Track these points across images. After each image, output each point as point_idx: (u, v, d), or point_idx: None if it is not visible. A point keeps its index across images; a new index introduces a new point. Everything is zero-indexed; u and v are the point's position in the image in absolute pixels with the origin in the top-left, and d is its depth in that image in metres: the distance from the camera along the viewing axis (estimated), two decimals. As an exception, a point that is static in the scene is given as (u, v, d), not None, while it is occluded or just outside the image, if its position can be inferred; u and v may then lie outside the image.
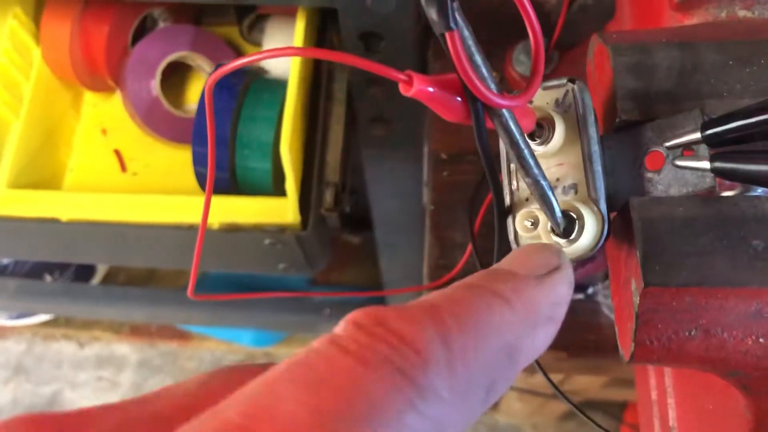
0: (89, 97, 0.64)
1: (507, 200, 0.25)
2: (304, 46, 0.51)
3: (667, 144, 0.24)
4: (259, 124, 0.52)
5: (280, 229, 0.51)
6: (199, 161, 0.52)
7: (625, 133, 0.25)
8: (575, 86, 0.24)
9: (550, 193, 0.22)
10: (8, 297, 1.06)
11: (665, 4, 0.34)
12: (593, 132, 0.24)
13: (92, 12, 0.56)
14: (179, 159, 0.61)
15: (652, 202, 0.23)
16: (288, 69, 0.57)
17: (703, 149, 0.23)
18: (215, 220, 0.52)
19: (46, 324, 1.33)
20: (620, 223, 0.24)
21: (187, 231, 0.53)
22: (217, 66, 0.54)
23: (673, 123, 0.24)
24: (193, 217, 0.52)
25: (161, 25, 0.60)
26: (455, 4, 0.20)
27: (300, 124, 0.52)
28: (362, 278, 1.14)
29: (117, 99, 0.63)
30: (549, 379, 0.33)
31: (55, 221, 0.53)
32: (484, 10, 0.53)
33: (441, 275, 0.45)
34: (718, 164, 0.22)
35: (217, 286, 1.02)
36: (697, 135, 0.23)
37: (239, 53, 0.63)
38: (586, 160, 0.23)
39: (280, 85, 0.55)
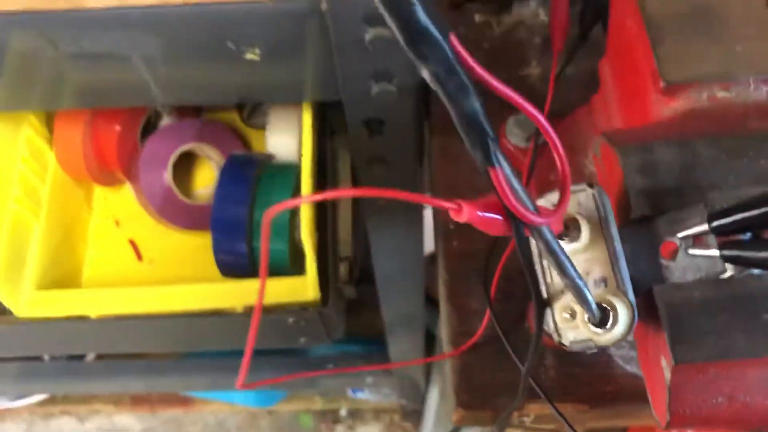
0: (99, 191, 0.66)
1: (543, 293, 0.28)
2: (313, 138, 0.54)
3: (680, 235, 0.27)
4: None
5: (303, 308, 0.54)
6: (220, 249, 0.55)
7: (639, 225, 0.28)
8: (595, 191, 0.28)
9: (586, 291, 0.26)
10: (10, 381, 1.07)
11: (651, 89, 0.38)
12: (615, 232, 0.27)
13: (102, 114, 0.59)
14: (192, 244, 0.63)
15: (672, 289, 0.27)
16: (293, 152, 0.61)
17: (712, 238, 0.27)
18: (239, 303, 0.54)
19: (44, 402, 1.32)
20: (644, 307, 0.28)
21: (211, 317, 0.55)
22: (230, 157, 0.57)
23: (682, 216, 0.27)
24: (216, 302, 0.55)
25: (166, 118, 0.63)
26: (495, 145, 0.24)
27: (313, 206, 0.55)
28: (362, 328, 1.16)
29: (126, 191, 0.66)
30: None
31: (84, 319, 0.55)
32: (477, 83, 0.57)
33: (463, 342, 0.48)
34: (726, 252, 0.26)
35: (213, 355, 1.03)
36: (705, 227, 0.27)
37: (242, 138, 0.66)
38: (612, 257, 0.27)
39: (289, 168, 0.58)
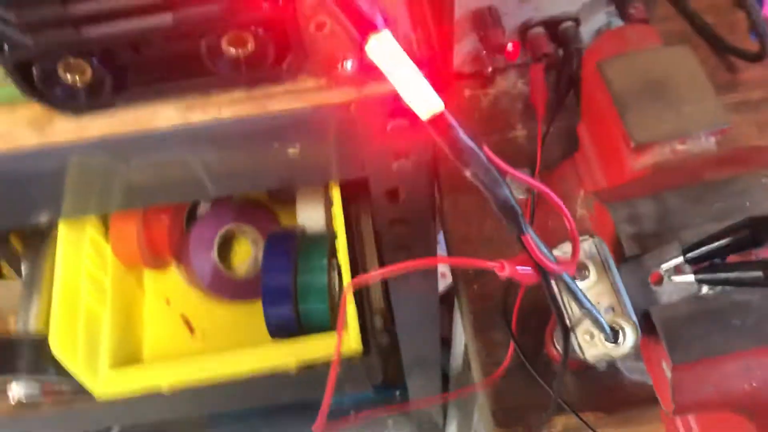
0: (149, 275, 0.74)
1: (567, 322, 0.37)
2: (339, 210, 0.63)
3: (663, 267, 0.36)
4: (314, 273, 0.63)
5: (349, 358, 0.62)
6: (271, 314, 0.63)
7: (632, 263, 0.37)
8: (595, 241, 0.37)
9: (600, 318, 0.34)
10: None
11: (624, 149, 0.47)
12: (615, 270, 0.36)
13: (153, 208, 0.67)
14: (238, 313, 0.71)
15: (663, 309, 0.35)
16: (320, 224, 0.70)
17: (687, 267, 0.36)
18: (292, 360, 0.62)
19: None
20: (644, 324, 0.36)
21: (269, 376, 0.63)
22: (271, 235, 0.66)
23: (663, 252, 0.36)
24: (272, 362, 0.63)
25: (203, 204, 0.72)
26: (524, 218, 0.33)
27: (348, 267, 0.63)
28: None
29: (172, 271, 0.74)
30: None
31: (156, 390, 0.62)
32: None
33: (492, 371, 0.56)
34: (699, 276, 0.35)
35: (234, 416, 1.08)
36: (681, 259, 0.36)
37: (271, 212, 0.75)
38: (615, 289, 0.36)
39: (320, 238, 0.67)
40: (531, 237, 0.32)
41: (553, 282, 0.34)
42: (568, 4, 0.61)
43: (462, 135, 0.31)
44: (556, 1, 0.60)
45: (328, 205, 0.71)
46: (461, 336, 1.07)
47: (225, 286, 0.69)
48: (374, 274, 0.38)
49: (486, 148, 0.32)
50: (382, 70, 0.30)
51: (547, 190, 0.33)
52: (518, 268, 0.33)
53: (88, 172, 0.55)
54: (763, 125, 0.63)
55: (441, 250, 0.77)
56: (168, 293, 0.74)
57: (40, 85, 0.45)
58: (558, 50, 0.62)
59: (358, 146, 0.55)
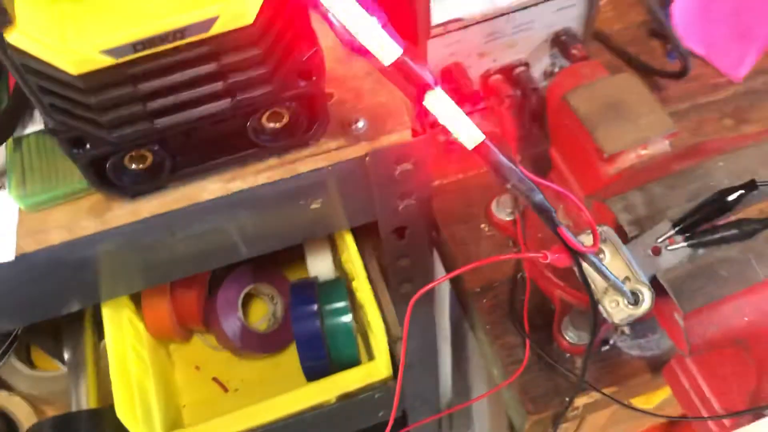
0: (174, 346, 0.79)
1: (595, 295, 0.46)
2: (355, 254, 0.71)
3: (659, 240, 0.46)
4: (339, 315, 0.70)
5: (383, 382, 0.69)
6: (306, 358, 0.69)
7: (635, 241, 0.47)
8: (604, 228, 0.46)
9: (622, 286, 0.43)
10: None
11: (597, 160, 0.58)
12: (624, 249, 0.45)
13: (179, 282, 0.73)
14: (266, 365, 0.77)
15: (666, 272, 0.45)
16: (330, 271, 0.77)
17: (678, 237, 0.45)
18: (332, 395, 0.69)
19: None
20: (655, 287, 0.46)
21: (312, 412, 0.69)
22: (293, 286, 0.73)
23: (657, 229, 0.46)
24: (313, 400, 0.69)
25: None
26: (556, 215, 0.42)
27: (373, 300, 0.70)
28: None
29: (195, 340, 0.80)
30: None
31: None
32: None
33: (515, 370, 0.64)
34: (689, 243, 0.45)
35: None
36: (673, 231, 0.45)
37: (280, 270, 0.81)
38: (629, 264, 0.45)
39: (337, 282, 0.74)
40: (564, 229, 0.41)
41: (587, 261, 0.43)
42: (519, 53, 0.72)
43: (501, 156, 0.40)
44: (508, 51, 0.71)
45: (334, 253, 0.79)
46: (447, 361, 1.15)
47: (254, 342, 0.75)
48: (439, 280, 0.46)
49: (521, 166, 0.41)
50: (436, 116, 0.39)
51: (566, 192, 0.42)
52: (555, 255, 0.42)
53: (138, 250, 0.61)
54: (693, 129, 0.75)
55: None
56: (196, 360, 0.79)
57: (111, 177, 0.51)
58: (516, 91, 0.73)
59: (370, 193, 0.64)
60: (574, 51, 0.70)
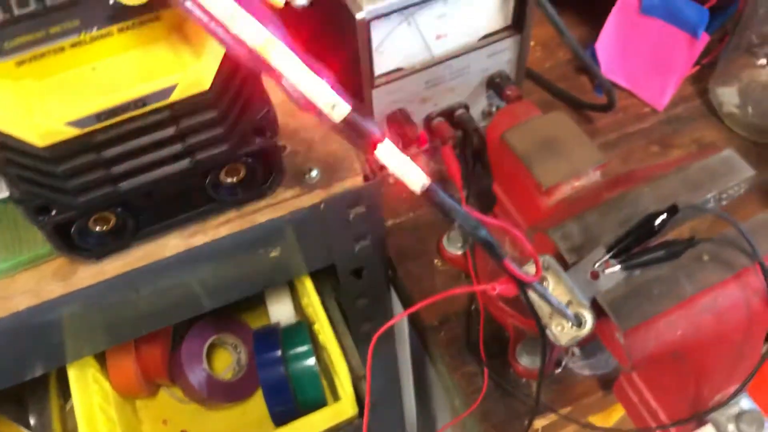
0: (140, 402, 0.80)
1: (542, 320, 0.49)
2: (315, 298, 0.73)
3: (596, 265, 0.50)
4: (303, 359, 0.72)
5: (349, 421, 0.71)
6: (274, 404, 0.71)
7: (574, 268, 0.51)
8: (546, 257, 0.50)
9: (566, 310, 0.47)
10: None
11: (536, 194, 0.62)
12: (566, 277, 0.49)
13: (143, 339, 0.74)
14: (234, 414, 0.78)
15: (605, 294, 0.49)
16: (291, 315, 0.79)
17: (613, 261, 0.49)
18: (299, 439, 0.70)
19: None
20: (595, 308, 0.50)
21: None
22: (256, 333, 0.74)
23: (593, 255, 0.50)
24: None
25: (181, 325, 0.79)
26: (501, 248, 0.45)
27: (336, 343, 0.73)
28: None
29: (162, 393, 0.80)
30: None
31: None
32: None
33: (476, 399, 0.67)
34: (623, 265, 0.49)
35: None
36: (607, 256, 0.49)
37: (240, 319, 0.83)
38: (570, 289, 0.48)
39: (297, 326, 0.76)
40: (509, 261, 0.45)
41: (534, 291, 0.46)
42: (458, 96, 0.77)
43: (446, 198, 0.43)
44: (448, 95, 0.76)
45: (294, 298, 0.81)
46: (411, 394, 1.17)
47: (221, 392, 0.77)
48: (396, 318, 0.49)
49: (465, 205, 0.44)
50: (387, 165, 0.43)
51: (507, 226, 0.46)
52: (501, 286, 0.46)
53: (103, 309, 0.62)
54: (624, 157, 0.81)
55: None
56: (163, 414, 0.80)
57: (76, 240, 0.53)
58: (458, 132, 0.77)
59: (327, 237, 0.67)
60: (508, 92, 0.75)
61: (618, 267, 0.49)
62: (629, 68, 0.86)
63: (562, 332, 0.48)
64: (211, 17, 0.38)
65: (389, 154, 0.42)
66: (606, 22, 0.85)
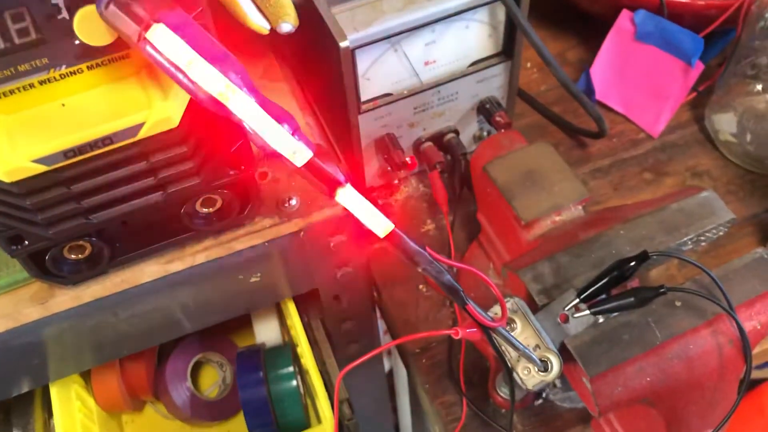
0: (126, 418, 0.81)
1: (509, 364, 0.49)
2: (297, 321, 0.73)
3: (566, 309, 0.49)
4: (284, 381, 0.73)
5: (329, 446, 0.71)
6: (254, 425, 0.71)
7: (543, 310, 0.50)
8: (515, 299, 0.49)
9: (532, 355, 0.47)
10: None
11: (517, 227, 0.61)
12: (533, 318, 0.49)
13: (128, 356, 0.75)
14: (218, 431, 0.79)
15: (573, 339, 0.48)
16: (277, 336, 0.79)
17: (583, 305, 0.49)
18: (280, 461, 0.71)
19: None
20: (564, 353, 0.49)
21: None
22: (239, 354, 0.75)
23: (564, 298, 0.50)
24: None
25: (168, 341, 0.80)
26: (465, 295, 0.45)
27: (315, 366, 0.73)
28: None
29: (147, 409, 0.81)
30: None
31: None
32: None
33: (454, 428, 0.67)
34: (593, 310, 0.48)
35: None
36: (577, 300, 0.49)
37: (228, 338, 0.84)
38: (538, 333, 0.48)
39: (281, 348, 0.76)
40: (473, 306, 0.45)
41: (493, 335, 0.46)
42: (447, 121, 0.76)
43: (410, 243, 0.43)
44: (437, 120, 0.75)
45: (281, 319, 0.81)
46: (407, 409, 1.17)
47: (204, 411, 0.77)
48: (372, 353, 0.48)
49: (428, 249, 0.44)
50: (348, 209, 0.42)
51: (474, 270, 0.46)
52: (467, 330, 0.46)
53: (83, 332, 0.63)
54: (615, 185, 0.80)
55: (386, 337, 0.88)
56: (148, 430, 0.80)
57: (50, 268, 0.54)
58: (447, 156, 0.77)
59: (308, 264, 0.67)
60: (498, 118, 0.74)
61: (587, 312, 0.49)
62: (624, 93, 0.85)
63: (528, 376, 0.48)
64: (171, 63, 0.39)
65: (351, 199, 0.42)
66: (601, 47, 0.84)
